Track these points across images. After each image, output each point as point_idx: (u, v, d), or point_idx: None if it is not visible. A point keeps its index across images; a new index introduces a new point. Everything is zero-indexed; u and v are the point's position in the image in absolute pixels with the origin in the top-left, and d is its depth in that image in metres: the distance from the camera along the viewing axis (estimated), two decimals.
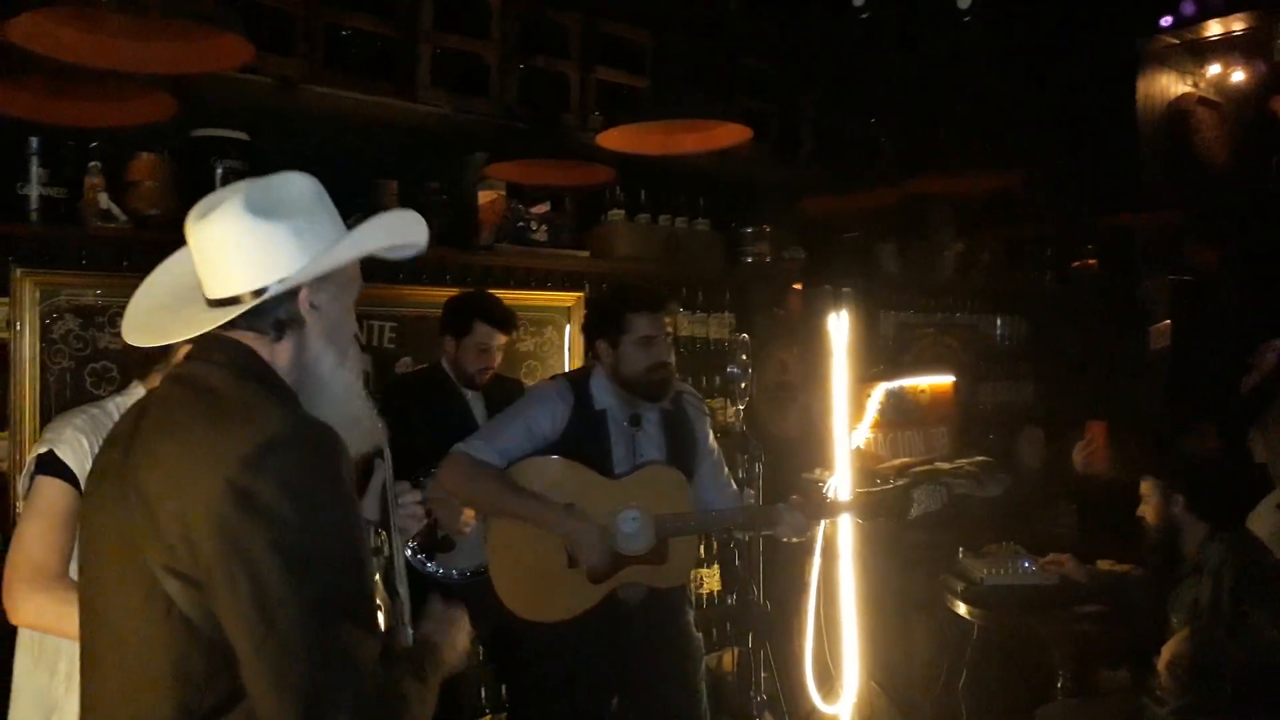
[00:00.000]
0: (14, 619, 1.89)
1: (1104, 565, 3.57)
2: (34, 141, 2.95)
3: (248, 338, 1.36)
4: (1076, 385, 5.85)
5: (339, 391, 1.41)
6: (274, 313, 1.35)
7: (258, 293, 1.33)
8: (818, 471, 3.72)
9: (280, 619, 1.17)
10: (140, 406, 1.40)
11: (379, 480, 1.45)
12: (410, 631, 1.47)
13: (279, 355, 1.37)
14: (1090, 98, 5.87)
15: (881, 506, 2.97)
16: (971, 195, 5.02)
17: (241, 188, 1.36)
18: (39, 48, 2.23)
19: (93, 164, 3.05)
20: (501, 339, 3.34)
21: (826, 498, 3.07)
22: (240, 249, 1.33)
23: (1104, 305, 6.17)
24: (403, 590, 1.47)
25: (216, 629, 1.20)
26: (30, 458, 2.03)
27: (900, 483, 2.96)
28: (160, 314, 1.43)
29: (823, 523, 3.05)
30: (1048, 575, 3.55)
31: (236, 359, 1.34)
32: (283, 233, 1.34)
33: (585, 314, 2.99)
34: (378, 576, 1.48)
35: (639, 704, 2.90)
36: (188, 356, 1.41)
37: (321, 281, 1.38)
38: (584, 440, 2.77)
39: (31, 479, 1.97)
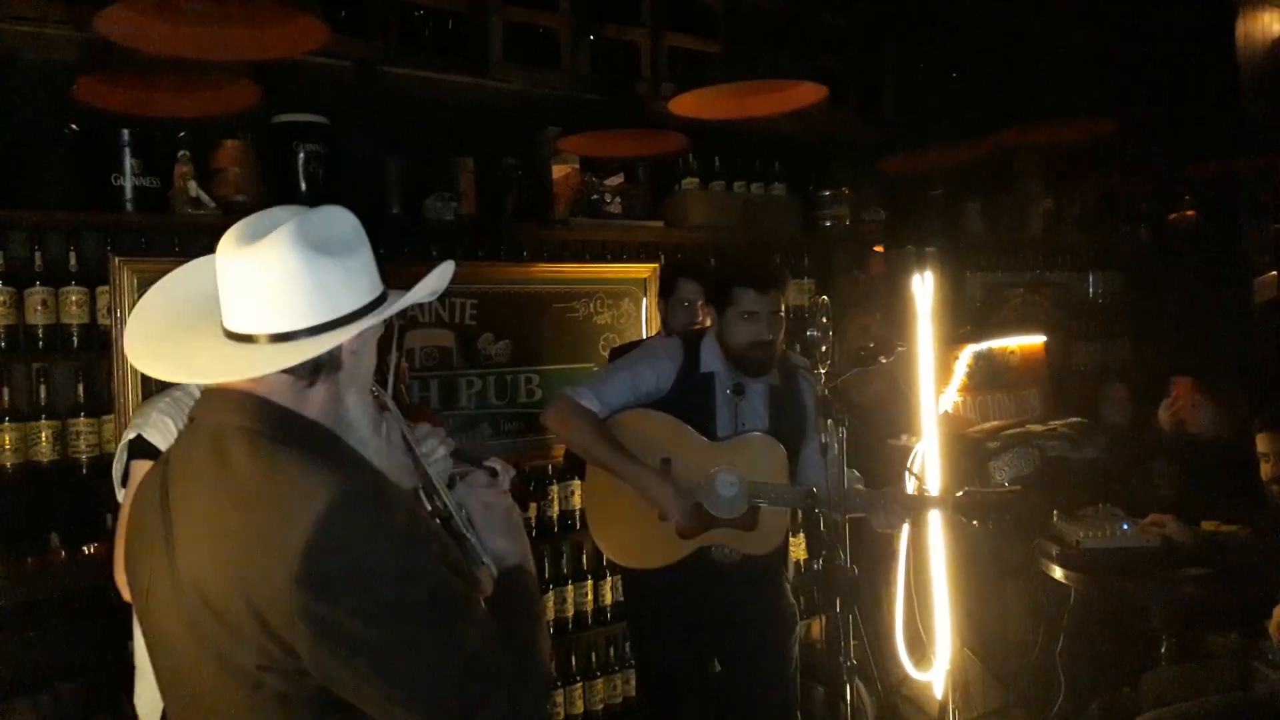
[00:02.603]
0: (126, 595, 1.98)
1: (1209, 526, 3.43)
2: (125, 134, 3.04)
3: (271, 382, 1.26)
4: (1176, 342, 5.61)
5: (364, 435, 1.34)
6: (315, 357, 1.26)
7: (290, 335, 1.24)
8: (904, 438, 3.66)
9: (413, 670, 1.16)
10: (160, 487, 1.31)
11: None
12: (487, 561, 1.45)
13: (310, 401, 1.29)
14: (1185, 39, 5.58)
15: (982, 508, 2.82)
16: (1060, 147, 4.84)
17: (289, 219, 1.26)
18: (125, 39, 2.31)
19: (181, 153, 3.14)
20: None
21: (926, 495, 3.02)
22: (291, 285, 1.23)
23: (1204, 258, 5.89)
24: (470, 534, 1.46)
25: (337, 697, 1.19)
26: (121, 444, 2.13)
27: (1010, 489, 2.89)
28: (174, 340, 1.32)
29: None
30: (1148, 537, 3.42)
31: (254, 419, 1.25)
32: (336, 272, 1.26)
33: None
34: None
35: (733, 666, 2.96)
36: (196, 419, 1.32)
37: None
38: (689, 400, 2.83)
39: (126, 464, 2.06)
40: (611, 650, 3.94)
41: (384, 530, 1.19)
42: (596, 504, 2.94)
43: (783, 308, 2.86)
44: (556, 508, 3.83)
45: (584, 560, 3.85)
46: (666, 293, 3.56)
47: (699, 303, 3.42)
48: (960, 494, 2.81)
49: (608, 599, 3.89)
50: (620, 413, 2.82)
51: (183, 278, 1.39)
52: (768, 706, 2.93)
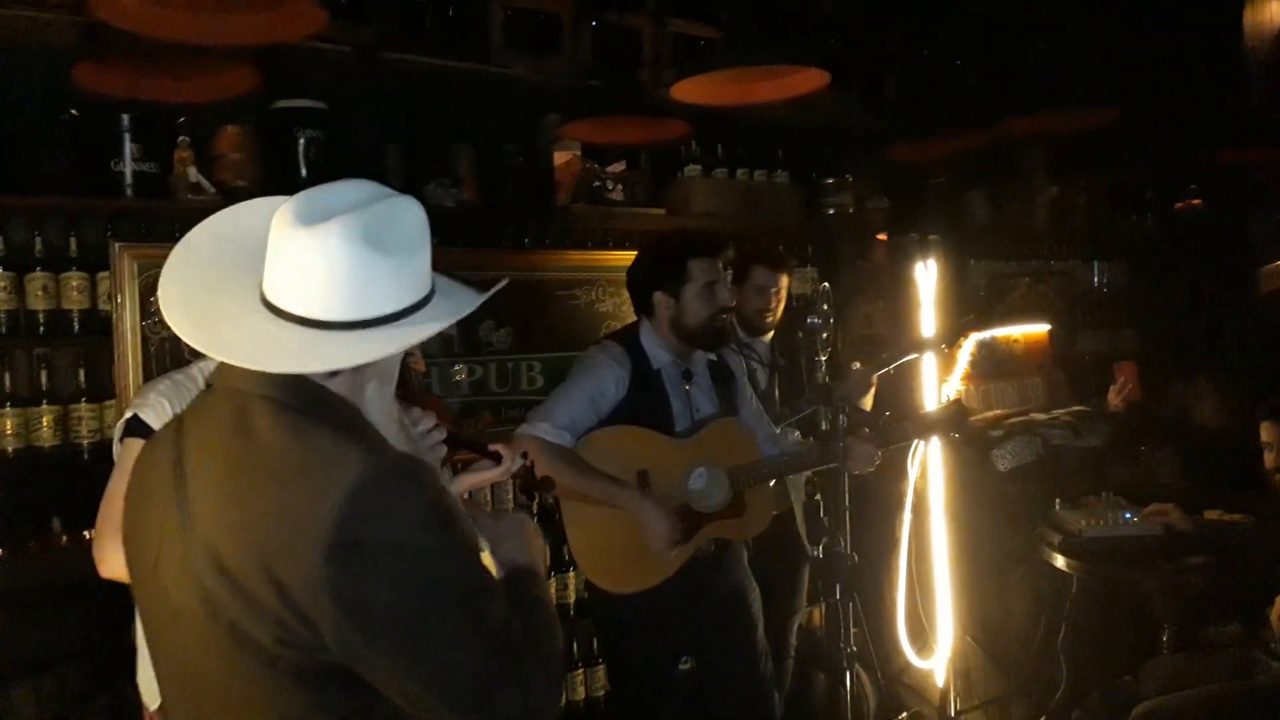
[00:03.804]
0: (101, 571, 1.99)
1: (1211, 515, 3.42)
2: (125, 119, 3.03)
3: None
4: (1181, 332, 5.59)
5: (381, 421, 1.32)
6: (337, 369, 1.25)
7: (351, 324, 1.22)
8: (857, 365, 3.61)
9: (433, 651, 1.15)
10: (172, 449, 1.28)
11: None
12: (484, 546, 1.44)
13: (332, 386, 1.27)
14: (1192, 27, 5.54)
15: (942, 424, 2.92)
16: (1065, 136, 4.82)
17: (354, 208, 1.24)
18: (123, 23, 2.30)
19: (181, 139, 3.13)
20: (783, 279, 3.50)
21: (888, 422, 3.01)
22: (343, 275, 1.22)
23: (1210, 247, 5.87)
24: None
25: (354, 673, 1.16)
26: (119, 424, 2.13)
27: (954, 397, 2.94)
28: (214, 312, 1.27)
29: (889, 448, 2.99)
30: (1151, 526, 3.41)
31: (280, 389, 1.23)
32: (387, 270, 1.24)
33: (636, 269, 2.89)
34: None
35: (708, 651, 2.85)
36: (214, 385, 1.29)
37: None
38: (644, 402, 2.73)
39: (122, 443, 2.06)
40: None
41: (416, 505, 1.17)
42: (579, 534, 2.75)
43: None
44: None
45: None
46: (739, 278, 3.39)
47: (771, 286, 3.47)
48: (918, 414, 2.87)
49: None
50: (581, 439, 2.70)
51: (240, 215, 1.37)
52: (748, 685, 2.84)
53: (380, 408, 1.33)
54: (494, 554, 1.45)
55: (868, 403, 3.57)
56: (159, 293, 1.30)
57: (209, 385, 1.31)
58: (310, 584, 1.11)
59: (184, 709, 1.32)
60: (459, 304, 1.33)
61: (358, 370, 1.28)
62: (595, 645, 3.88)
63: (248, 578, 1.15)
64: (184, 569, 1.21)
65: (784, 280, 3.53)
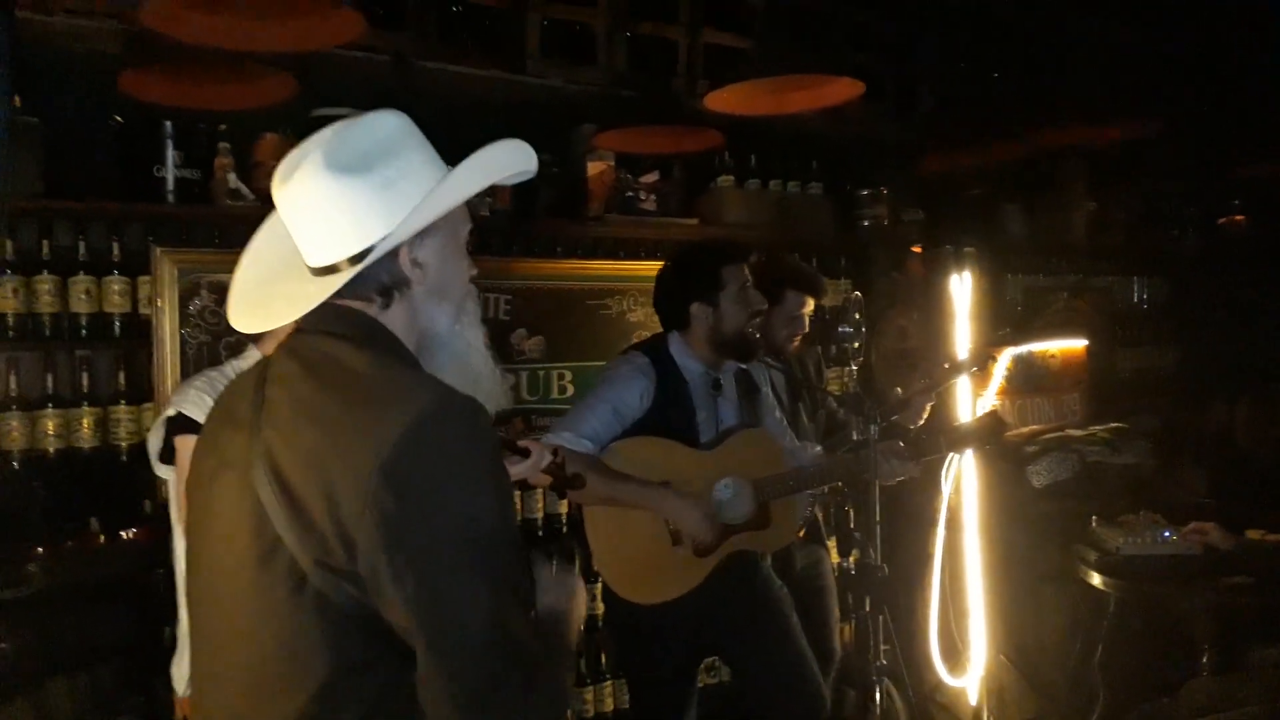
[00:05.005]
0: (180, 548, 2.02)
1: (1254, 535, 3.34)
2: (168, 126, 3.10)
3: (357, 306, 1.26)
4: (1222, 350, 5.49)
5: (461, 349, 1.33)
6: (376, 278, 1.25)
7: (355, 259, 1.23)
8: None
9: (449, 609, 1.11)
10: (256, 382, 1.28)
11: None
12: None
13: (394, 322, 1.27)
14: (1233, 36, 5.46)
15: (978, 436, 2.88)
16: (1104, 148, 4.76)
17: (323, 139, 1.25)
18: (168, 29, 2.35)
19: (222, 145, 3.19)
20: (811, 304, 3.36)
21: (922, 434, 2.97)
22: (326, 213, 1.22)
23: (1254, 263, 5.76)
24: None
25: (376, 618, 1.14)
26: (158, 422, 2.17)
27: (990, 409, 2.88)
28: (266, 290, 1.34)
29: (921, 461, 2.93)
30: (1190, 545, 3.34)
31: (359, 329, 1.25)
32: (369, 188, 1.22)
33: (665, 283, 2.88)
34: None
35: (733, 648, 2.83)
36: (301, 329, 1.29)
37: (421, 235, 1.26)
38: (669, 413, 2.72)
39: (165, 441, 2.10)
40: None
41: (478, 450, 1.16)
42: (601, 545, 2.72)
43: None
44: None
45: None
46: (772, 300, 3.26)
47: (803, 312, 3.33)
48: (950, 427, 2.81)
49: None
50: (604, 448, 2.68)
51: (272, 229, 1.39)
52: (787, 676, 2.74)
53: (462, 335, 1.33)
54: (539, 600, 1.42)
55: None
56: (228, 311, 1.36)
57: (298, 329, 1.31)
58: (361, 498, 1.10)
59: (203, 635, 1.30)
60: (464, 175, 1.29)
61: (408, 299, 1.28)
62: (606, 658, 3.85)
63: (304, 489, 1.15)
64: (242, 478, 1.21)
65: (813, 304, 3.45)
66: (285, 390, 1.24)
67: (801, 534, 3.29)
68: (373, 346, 1.24)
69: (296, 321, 1.29)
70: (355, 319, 1.26)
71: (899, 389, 3.32)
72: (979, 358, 3.31)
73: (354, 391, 1.18)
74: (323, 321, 1.26)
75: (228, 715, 1.25)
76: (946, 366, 3.16)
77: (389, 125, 1.28)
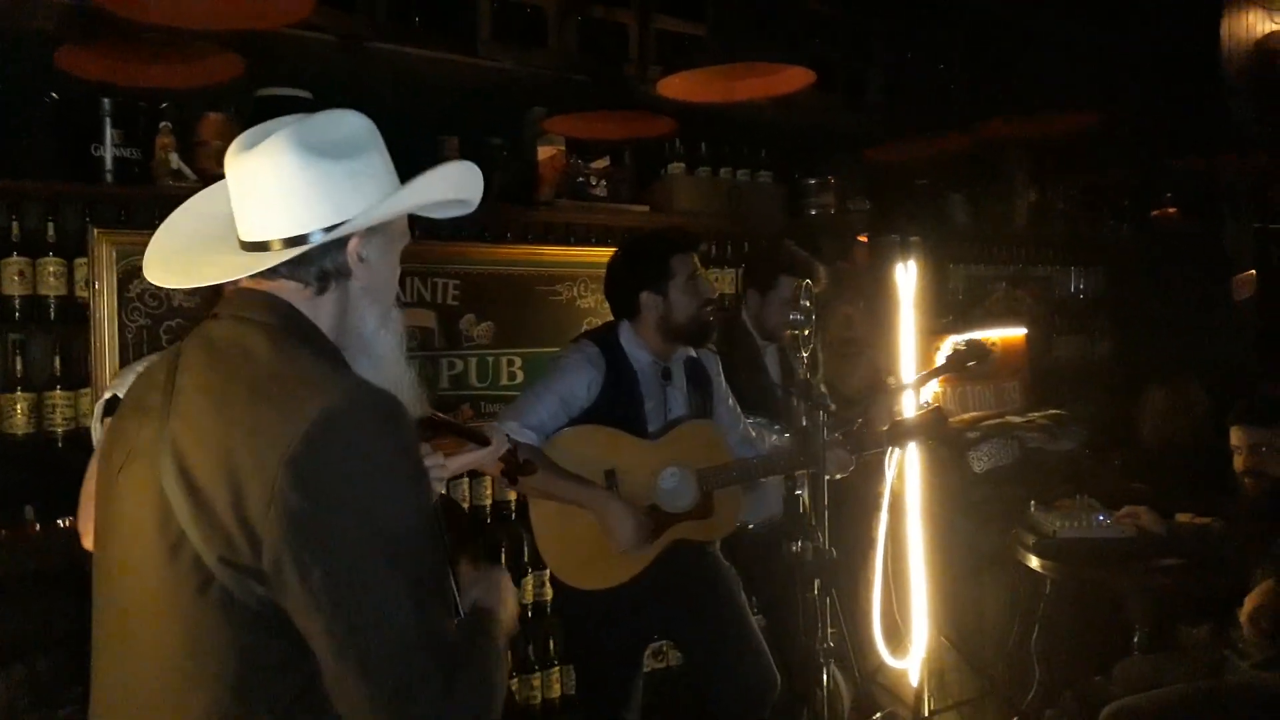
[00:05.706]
0: (85, 543, 1.98)
1: (1183, 518, 3.46)
2: (106, 103, 3.00)
3: (286, 289, 1.24)
4: (1156, 339, 5.66)
5: (382, 354, 1.31)
6: (319, 262, 1.24)
7: (300, 239, 1.21)
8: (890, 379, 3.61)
9: (360, 607, 1.08)
10: (168, 369, 1.25)
11: None
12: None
13: (320, 311, 1.26)
14: (1171, 35, 5.61)
15: (920, 430, 2.92)
16: (1045, 140, 4.86)
17: (293, 121, 1.24)
18: (114, 6, 2.28)
19: (163, 125, 3.10)
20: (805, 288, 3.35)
21: (863, 429, 3.02)
22: (288, 188, 1.21)
23: (1185, 255, 5.94)
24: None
25: (284, 619, 1.11)
26: (98, 405, 2.13)
27: (932, 404, 2.94)
28: (192, 256, 1.31)
29: (865, 454, 3.00)
30: (1124, 528, 3.45)
31: (278, 317, 1.23)
32: (337, 174, 1.22)
33: (614, 272, 2.89)
34: None
35: (687, 633, 2.85)
36: (219, 314, 1.27)
37: (372, 232, 1.26)
38: (617, 403, 2.73)
39: (101, 423, 2.06)
40: None
41: (391, 445, 1.14)
42: (546, 532, 2.72)
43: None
44: None
45: None
46: (765, 288, 3.33)
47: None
48: (894, 421, 2.91)
49: None
50: (549, 438, 2.68)
51: (212, 196, 1.36)
52: (733, 644, 2.75)
53: (386, 339, 1.32)
54: (463, 599, 1.40)
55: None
56: (143, 264, 1.31)
57: (212, 315, 1.29)
58: (267, 494, 1.08)
59: (107, 631, 1.27)
60: (421, 185, 1.29)
61: (343, 290, 1.27)
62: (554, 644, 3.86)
63: (209, 484, 1.12)
64: (149, 471, 1.18)
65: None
66: (193, 379, 1.21)
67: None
68: (289, 336, 1.21)
69: (215, 309, 1.28)
70: (275, 306, 1.24)
71: (891, 379, 3.35)
72: (962, 359, 3.31)
73: (263, 382, 1.16)
74: (240, 307, 1.25)
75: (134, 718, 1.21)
76: (924, 373, 3.20)
77: (357, 123, 1.29)
